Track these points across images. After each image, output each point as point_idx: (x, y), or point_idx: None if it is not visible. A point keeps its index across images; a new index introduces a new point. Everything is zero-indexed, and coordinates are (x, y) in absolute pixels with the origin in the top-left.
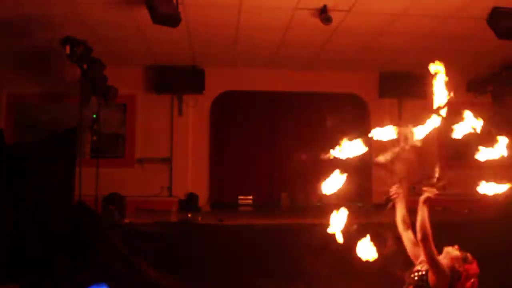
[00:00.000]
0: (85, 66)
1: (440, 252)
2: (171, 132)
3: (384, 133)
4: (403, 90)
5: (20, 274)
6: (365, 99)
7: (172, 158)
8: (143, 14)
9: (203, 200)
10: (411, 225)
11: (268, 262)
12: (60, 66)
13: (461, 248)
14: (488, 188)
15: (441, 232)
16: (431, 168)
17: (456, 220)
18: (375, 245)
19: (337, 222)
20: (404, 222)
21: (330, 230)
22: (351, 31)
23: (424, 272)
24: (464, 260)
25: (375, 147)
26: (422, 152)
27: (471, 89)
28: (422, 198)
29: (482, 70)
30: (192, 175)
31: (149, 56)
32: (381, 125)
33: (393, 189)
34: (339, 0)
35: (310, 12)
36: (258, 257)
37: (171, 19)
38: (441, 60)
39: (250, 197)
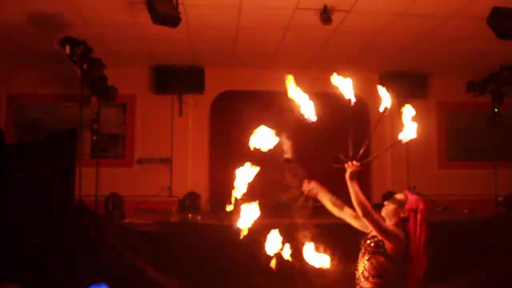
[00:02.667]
0: (85, 66)
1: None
2: (171, 132)
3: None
4: (403, 90)
5: (20, 274)
6: (365, 99)
7: (172, 158)
8: (143, 14)
9: (203, 200)
10: (344, 203)
11: (268, 262)
12: (60, 66)
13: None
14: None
15: (441, 232)
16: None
17: (456, 220)
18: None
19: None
20: (335, 205)
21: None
22: (351, 31)
23: (379, 238)
24: (401, 204)
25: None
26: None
27: (471, 89)
28: (347, 176)
29: (482, 70)
30: (192, 175)
31: (149, 56)
32: (381, 124)
33: (305, 186)
34: (339, 0)
35: (310, 12)
36: (258, 257)
37: (171, 19)
38: (441, 60)
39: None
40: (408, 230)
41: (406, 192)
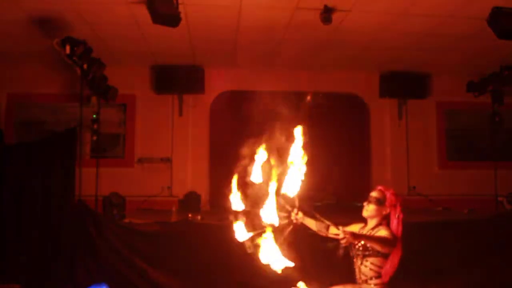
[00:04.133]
0: (85, 66)
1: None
2: (171, 132)
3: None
4: (403, 90)
5: (20, 274)
6: (365, 99)
7: (172, 158)
8: (143, 14)
9: (203, 200)
10: (328, 224)
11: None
12: (60, 66)
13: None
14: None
15: (441, 232)
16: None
17: (456, 220)
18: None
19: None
20: (320, 229)
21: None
22: (351, 31)
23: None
24: (381, 202)
25: None
26: None
27: (471, 89)
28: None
29: (482, 70)
30: (192, 175)
31: (149, 56)
32: (381, 125)
33: (293, 216)
34: (339, 0)
35: (310, 12)
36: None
37: (171, 19)
38: (441, 60)
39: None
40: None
41: (380, 188)
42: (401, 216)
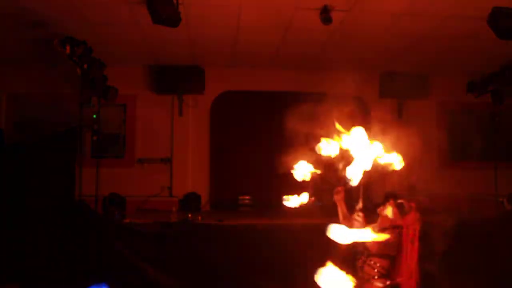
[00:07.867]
0: (85, 66)
1: None
2: (171, 132)
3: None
4: (403, 90)
5: (20, 274)
6: (365, 99)
7: (172, 158)
8: (144, 14)
9: (203, 200)
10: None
11: (268, 262)
12: (60, 66)
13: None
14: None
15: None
16: None
17: (456, 220)
18: None
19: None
20: (345, 217)
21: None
22: (351, 31)
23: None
24: (402, 213)
25: None
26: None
27: (471, 89)
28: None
29: (482, 70)
30: (192, 175)
31: (149, 56)
32: (381, 125)
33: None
34: (339, 0)
35: (310, 12)
36: (258, 257)
37: (171, 19)
38: (441, 60)
39: (250, 197)
40: (401, 241)
41: (413, 205)
42: (416, 244)
